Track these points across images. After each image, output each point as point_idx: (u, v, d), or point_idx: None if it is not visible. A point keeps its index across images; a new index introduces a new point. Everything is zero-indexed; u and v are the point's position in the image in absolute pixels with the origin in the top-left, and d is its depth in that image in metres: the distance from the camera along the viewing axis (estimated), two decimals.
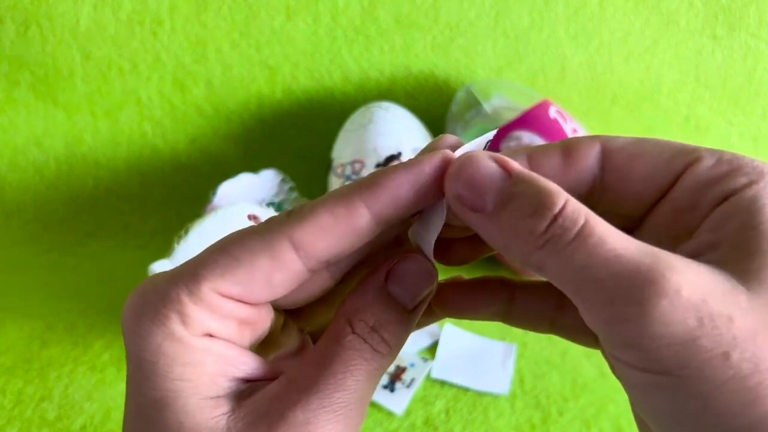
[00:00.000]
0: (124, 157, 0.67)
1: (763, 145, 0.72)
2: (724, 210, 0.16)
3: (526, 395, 0.46)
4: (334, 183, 0.57)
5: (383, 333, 0.18)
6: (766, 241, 0.14)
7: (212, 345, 0.17)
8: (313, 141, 0.67)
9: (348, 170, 0.56)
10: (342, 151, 0.58)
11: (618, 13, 0.65)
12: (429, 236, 0.18)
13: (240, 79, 0.65)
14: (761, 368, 0.13)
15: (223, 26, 0.63)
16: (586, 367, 0.48)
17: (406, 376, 0.47)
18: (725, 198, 0.16)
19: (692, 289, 0.13)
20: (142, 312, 0.16)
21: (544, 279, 0.21)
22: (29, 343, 0.50)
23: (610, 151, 0.18)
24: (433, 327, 0.51)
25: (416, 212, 0.18)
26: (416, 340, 0.50)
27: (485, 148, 0.19)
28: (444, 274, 0.22)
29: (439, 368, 0.48)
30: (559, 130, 0.55)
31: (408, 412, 0.44)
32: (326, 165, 0.60)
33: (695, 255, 0.15)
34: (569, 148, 0.18)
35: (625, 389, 0.16)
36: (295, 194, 0.59)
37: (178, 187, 0.67)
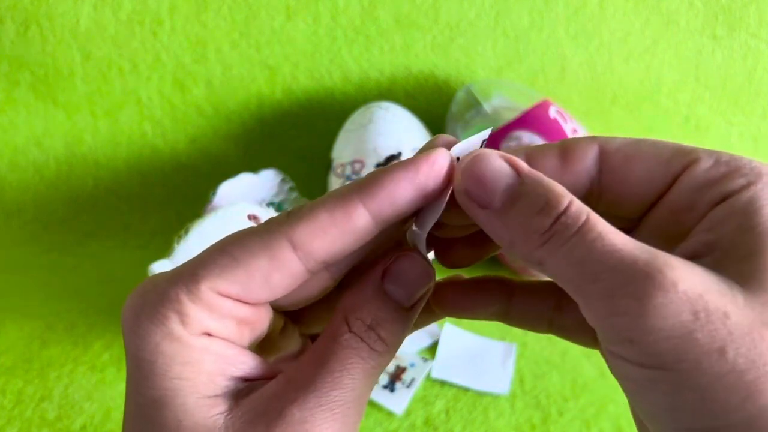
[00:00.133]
0: (124, 157, 0.67)
1: (763, 145, 0.72)
2: (722, 211, 0.16)
3: (526, 395, 0.46)
4: (334, 183, 0.57)
5: (380, 331, 0.18)
6: (763, 243, 0.15)
7: (211, 344, 0.17)
8: (313, 141, 0.67)
9: (348, 170, 0.56)
10: (342, 151, 0.58)
11: (618, 13, 0.65)
12: (423, 234, 0.18)
13: (240, 79, 0.65)
14: (758, 364, 0.13)
15: (223, 26, 0.63)
16: (586, 367, 0.48)
17: (406, 376, 0.47)
18: (723, 199, 0.16)
19: (689, 283, 0.14)
20: (141, 312, 0.16)
21: (543, 279, 0.21)
22: (29, 343, 0.50)
23: (607, 153, 0.18)
24: (433, 327, 0.51)
25: (414, 214, 0.18)
26: (416, 340, 0.50)
27: (481, 146, 0.19)
28: (444, 274, 0.22)
29: (439, 368, 0.48)
30: (559, 130, 0.55)
31: (408, 412, 0.44)
32: (326, 165, 0.60)
33: (692, 256, 0.15)
34: (567, 149, 0.18)
35: (621, 386, 0.16)
36: (295, 194, 0.59)
37: (178, 187, 0.67)
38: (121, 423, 0.45)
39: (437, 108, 0.66)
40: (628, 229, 0.18)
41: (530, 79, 0.67)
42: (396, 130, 0.57)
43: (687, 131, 0.70)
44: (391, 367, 0.47)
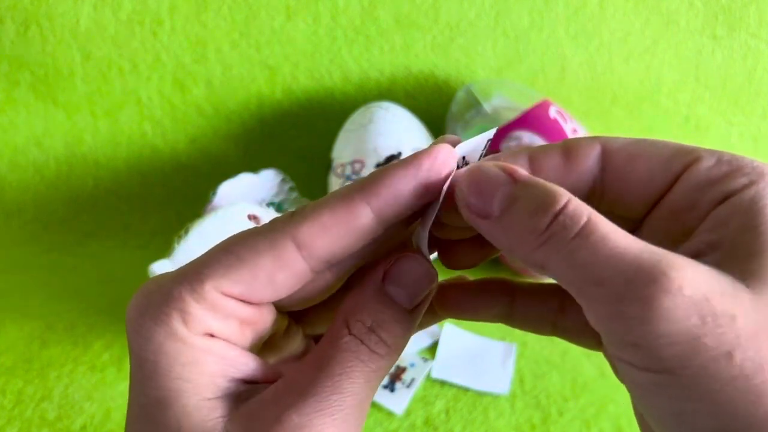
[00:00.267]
0: (124, 157, 0.67)
1: (763, 145, 0.72)
2: (724, 210, 0.16)
3: (526, 395, 0.46)
4: (334, 183, 0.57)
5: (381, 333, 0.18)
6: (766, 242, 0.14)
7: (213, 345, 0.17)
8: (313, 141, 0.67)
9: (348, 170, 0.56)
10: (342, 151, 0.58)
11: (618, 13, 0.65)
12: (424, 234, 0.18)
13: (240, 79, 0.65)
14: (765, 368, 0.13)
15: (223, 26, 0.63)
16: (586, 367, 0.48)
17: (406, 376, 0.47)
18: (725, 198, 0.16)
19: (695, 287, 0.13)
20: (145, 311, 0.16)
21: (545, 281, 0.21)
22: (29, 343, 0.50)
23: (610, 152, 0.18)
24: (433, 327, 0.51)
25: (419, 214, 0.18)
26: (416, 340, 0.50)
27: (485, 147, 0.19)
28: (446, 275, 0.22)
29: (439, 368, 0.48)
30: (559, 130, 0.55)
31: (408, 412, 0.44)
32: (326, 165, 0.60)
33: (695, 255, 0.15)
34: (570, 148, 0.18)
35: (627, 388, 0.16)
36: (295, 194, 0.59)
37: (178, 187, 0.67)
38: (121, 423, 0.45)
39: (437, 108, 0.66)
40: (631, 229, 0.18)
41: (530, 79, 0.67)
42: (396, 130, 0.56)
43: (687, 131, 0.70)
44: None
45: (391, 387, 0.46)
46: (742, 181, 0.16)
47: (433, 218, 0.18)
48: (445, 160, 0.17)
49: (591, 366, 0.48)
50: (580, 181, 0.18)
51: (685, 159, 0.17)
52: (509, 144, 0.55)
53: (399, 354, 0.18)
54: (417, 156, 0.17)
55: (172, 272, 0.17)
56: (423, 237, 0.18)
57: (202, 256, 0.17)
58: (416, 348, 0.50)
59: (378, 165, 0.54)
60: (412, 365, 0.48)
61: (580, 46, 0.66)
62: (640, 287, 0.13)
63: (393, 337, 0.18)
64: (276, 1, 0.62)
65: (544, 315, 0.21)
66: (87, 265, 0.61)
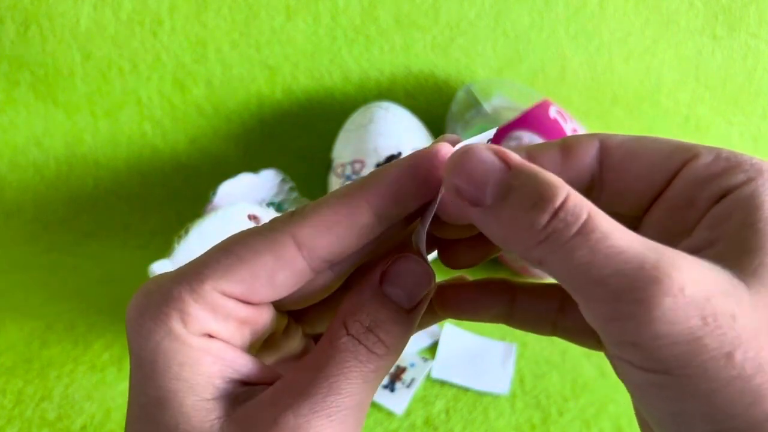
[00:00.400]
0: (124, 157, 0.67)
1: (763, 145, 0.72)
2: (723, 207, 0.16)
3: (526, 395, 0.46)
4: (334, 183, 0.57)
5: (379, 333, 0.17)
6: (765, 239, 0.14)
7: (211, 345, 0.17)
8: (313, 141, 0.67)
9: (348, 170, 0.56)
10: (342, 151, 0.58)
11: (618, 13, 0.65)
12: (422, 233, 0.18)
13: (240, 79, 0.65)
14: (765, 368, 0.13)
15: (223, 26, 0.63)
16: (586, 367, 0.48)
17: (406, 376, 0.47)
18: (723, 195, 0.16)
19: (696, 287, 0.13)
20: (145, 311, 0.16)
21: (546, 281, 0.21)
22: (29, 343, 0.50)
23: (608, 148, 0.18)
24: (433, 327, 0.51)
25: (419, 213, 0.18)
26: (416, 340, 0.50)
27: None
28: (446, 274, 0.22)
29: (439, 368, 0.48)
30: (559, 130, 0.55)
31: (408, 412, 0.44)
32: (326, 165, 0.60)
33: (694, 252, 0.15)
34: (568, 145, 0.18)
35: (626, 388, 0.16)
36: (295, 194, 0.59)
37: (178, 187, 0.67)
38: (121, 423, 0.45)
39: (437, 108, 0.66)
40: (631, 228, 0.18)
41: (530, 79, 0.67)
42: (396, 130, 0.57)
43: (687, 131, 0.70)
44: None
45: (391, 387, 0.46)
46: (741, 177, 0.16)
47: (431, 217, 0.18)
48: (445, 159, 0.17)
49: (591, 366, 0.48)
50: (578, 177, 0.18)
51: (683, 155, 0.17)
52: (509, 144, 0.55)
53: (398, 354, 0.18)
54: (417, 155, 0.17)
55: (171, 272, 0.17)
56: (422, 236, 0.18)
57: (202, 256, 0.17)
58: (416, 348, 0.50)
59: (378, 165, 0.54)
60: (412, 365, 0.48)
61: (580, 46, 0.66)
62: (640, 287, 0.13)
63: (391, 338, 0.18)
64: (276, 1, 0.62)
65: (545, 315, 0.21)
66: (87, 265, 0.61)
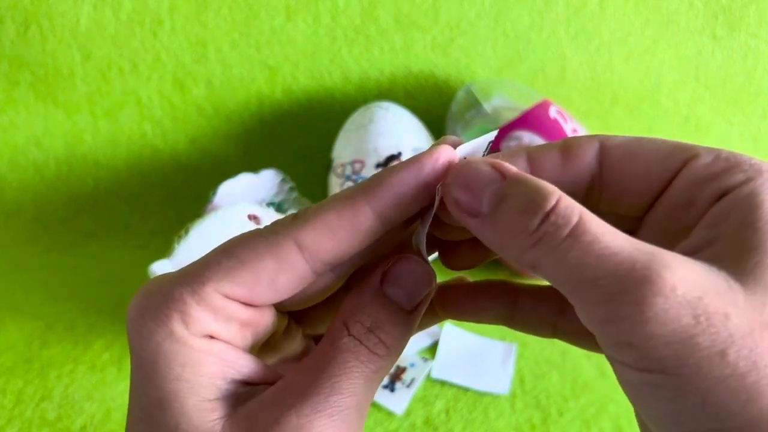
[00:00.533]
0: (124, 157, 0.67)
1: (763, 145, 0.72)
2: (722, 206, 0.16)
3: (526, 395, 0.46)
4: (334, 183, 0.57)
5: (380, 334, 0.18)
6: (763, 238, 0.14)
7: (213, 346, 0.17)
8: (313, 141, 0.67)
9: (348, 170, 0.56)
10: (342, 151, 0.58)
11: (618, 13, 0.65)
12: (422, 235, 0.18)
13: (240, 79, 0.65)
14: (759, 366, 0.13)
15: (223, 26, 0.63)
16: (586, 367, 0.48)
17: (406, 376, 0.47)
18: (722, 194, 0.16)
19: (688, 286, 0.13)
20: (146, 312, 0.16)
21: (546, 285, 0.21)
22: (29, 343, 0.50)
23: (608, 149, 0.18)
24: (433, 327, 0.51)
25: (420, 214, 0.18)
26: (416, 340, 0.50)
27: (487, 148, 0.19)
28: (446, 275, 0.22)
29: (439, 368, 0.48)
30: (559, 130, 0.55)
31: (408, 412, 0.44)
32: (326, 165, 0.60)
33: (693, 252, 0.15)
34: (568, 146, 0.18)
35: (623, 389, 0.16)
36: (295, 194, 0.59)
37: (178, 187, 0.67)
38: (121, 422, 0.45)
39: (437, 108, 0.66)
40: (631, 228, 0.18)
41: (530, 79, 0.67)
42: (396, 130, 0.57)
43: (687, 131, 0.70)
44: None
45: (391, 387, 0.46)
46: (740, 177, 0.16)
47: (431, 219, 0.18)
48: (447, 160, 0.17)
49: (591, 366, 0.48)
50: (578, 177, 0.18)
51: (683, 155, 0.17)
52: (509, 144, 0.55)
53: (398, 355, 0.18)
54: (418, 158, 0.17)
55: (173, 273, 0.17)
56: (422, 237, 0.18)
57: (204, 257, 0.17)
58: (416, 348, 0.50)
59: (378, 165, 0.54)
60: (412, 365, 0.48)
61: (580, 46, 0.66)
62: (632, 288, 0.13)
63: (392, 338, 0.18)
64: (276, 1, 0.62)
65: (546, 317, 0.21)
66: (87, 265, 0.61)
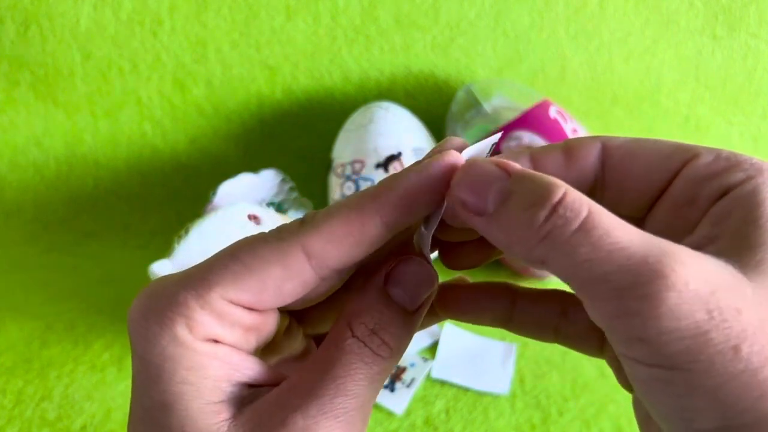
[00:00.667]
0: (124, 157, 0.67)
1: (763, 145, 0.72)
2: (724, 204, 0.16)
3: (526, 395, 0.46)
4: (334, 183, 0.57)
5: (383, 335, 0.18)
6: (766, 235, 0.14)
7: (217, 350, 0.17)
8: (313, 141, 0.67)
9: (348, 170, 0.56)
10: (342, 151, 0.58)
11: (618, 13, 0.65)
12: (427, 236, 0.18)
13: (240, 79, 0.65)
14: None
15: (223, 26, 0.63)
16: (586, 367, 0.48)
17: (406, 376, 0.47)
18: (724, 193, 0.16)
19: (700, 281, 0.13)
20: (149, 314, 0.16)
21: (546, 287, 0.21)
22: (29, 343, 0.50)
23: (610, 149, 0.18)
24: (433, 327, 0.51)
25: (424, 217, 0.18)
26: (416, 340, 0.50)
27: (490, 150, 0.19)
28: (447, 275, 0.22)
29: (439, 368, 0.48)
30: (560, 130, 0.55)
31: (408, 412, 0.44)
32: (326, 165, 0.60)
33: (696, 249, 0.15)
34: (571, 147, 0.18)
35: (632, 385, 0.15)
36: (295, 194, 0.59)
37: (178, 187, 0.67)
38: (121, 423, 0.45)
39: (437, 108, 0.66)
40: None
41: (530, 79, 0.67)
42: (396, 130, 0.56)
43: (687, 131, 0.70)
44: None
45: (391, 387, 0.46)
46: (741, 175, 0.16)
47: (437, 223, 0.18)
48: (456, 168, 0.17)
49: (591, 366, 0.48)
50: (581, 178, 0.18)
51: (684, 155, 0.17)
52: (510, 144, 0.55)
53: (401, 355, 0.18)
54: (427, 164, 0.17)
55: (176, 275, 0.17)
56: (426, 239, 0.18)
57: (208, 260, 0.17)
58: (416, 348, 0.50)
59: (378, 165, 0.54)
60: (412, 365, 0.48)
61: (580, 46, 0.66)
62: (645, 283, 0.13)
63: (395, 339, 0.18)
64: (276, 1, 0.62)
65: (545, 320, 0.21)
66: (87, 265, 0.61)
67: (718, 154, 0.17)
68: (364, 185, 0.55)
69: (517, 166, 0.16)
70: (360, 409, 0.17)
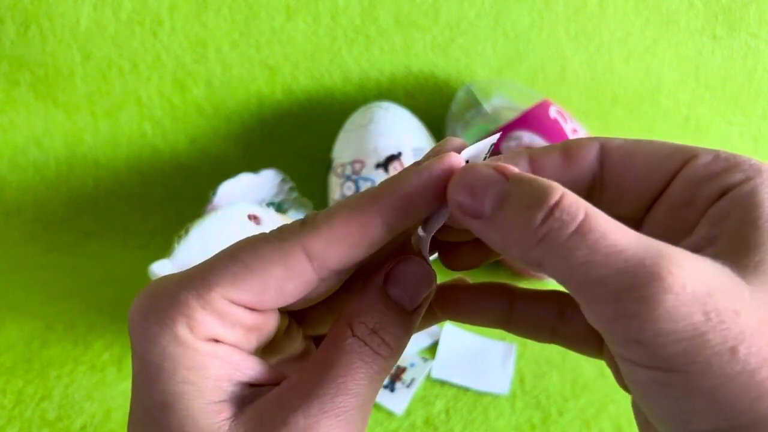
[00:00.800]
0: (124, 157, 0.67)
1: (763, 145, 0.72)
2: (722, 205, 0.16)
3: (526, 395, 0.46)
4: (334, 183, 0.57)
5: (383, 335, 0.18)
6: (764, 236, 0.14)
7: (218, 350, 0.17)
8: (313, 141, 0.67)
9: (348, 170, 0.56)
10: (342, 151, 0.58)
11: (618, 13, 0.65)
12: (426, 237, 0.18)
13: (240, 79, 0.65)
14: None
15: (223, 26, 0.63)
16: (586, 367, 0.48)
17: (406, 376, 0.47)
18: (723, 193, 0.16)
19: (697, 283, 0.13)
20: (150, 314, 0.16)
21: (544, 288, 0.21)
22: (29, 343, 0.50)
23: (609, 150, 0.18)
24: (433, 327, 0.51)
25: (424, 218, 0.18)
26: (416, 340, 0.50)
27: (489, 150, 0.19)
28: (446, 275, 0.22)
29: (439, 368, 0.48)
30: (559, 130, 0.55)
31: (408, 412, 0.44)
32: (326, 165, 0.60)
33: (694, 251, 0.15)
34: (569, 148, 0.18)
35: (629, 387, 0.15)
36: (295, 194, 0.59)
37: (178, 187, 0.67)
38: (121, 422, 0.45)
39: (437, 108, 0.66)
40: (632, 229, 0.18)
41: (530, 79, 0.67)
42: (396, 130, 0.56)
43: (687, 131, 0.70)
44: None
45: (391, 387, 0.46)
46: (740, 176, 0.16)
47: (440, 225, 0.18)
48: (456, 169, 0.17)
49: (591, 366, 0.48)
50: (579, 179, 0.18)
51: (682, 156, 0.17)
52: (509, 144, 0.55)
53: (400, 355, 0.18)
54: (428, 166, 0.17)
55: (176, 275, 0.17)
56: (425, 240, 0.18)
57: (209, 260, 0.17)
58: (416, 348, 0.50)
59: (378, 165, 0.54)
60: (412, 365, 0.48)
61: (580, 46, 0.66)
62: (642, 286, 0.13)
63: (395, 339, 0.18)
64: (276, 1, 0.62)
65: (543, 321, 0.21)
66: (87, 265, 0.61)
67: (716, 155, 0.17)
68: (364, 185, 0.55)
69: (514, 169, 0.16)
70: (360, 408, 0.17)
